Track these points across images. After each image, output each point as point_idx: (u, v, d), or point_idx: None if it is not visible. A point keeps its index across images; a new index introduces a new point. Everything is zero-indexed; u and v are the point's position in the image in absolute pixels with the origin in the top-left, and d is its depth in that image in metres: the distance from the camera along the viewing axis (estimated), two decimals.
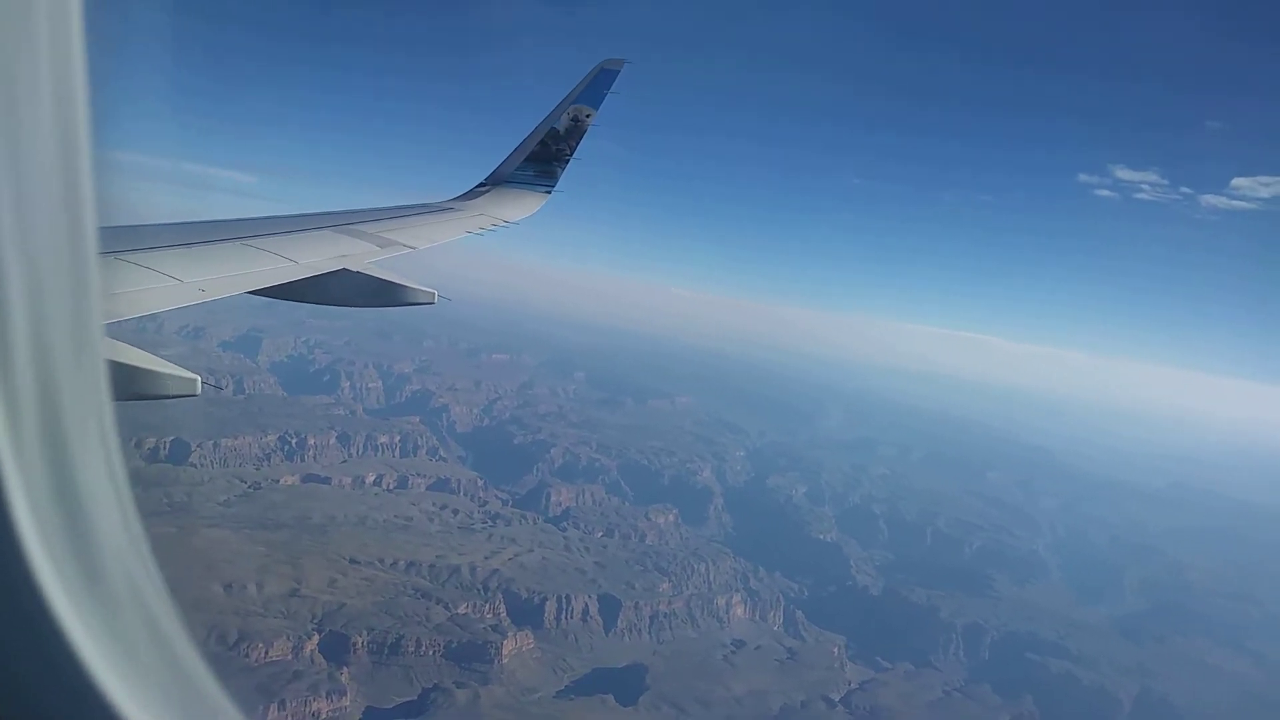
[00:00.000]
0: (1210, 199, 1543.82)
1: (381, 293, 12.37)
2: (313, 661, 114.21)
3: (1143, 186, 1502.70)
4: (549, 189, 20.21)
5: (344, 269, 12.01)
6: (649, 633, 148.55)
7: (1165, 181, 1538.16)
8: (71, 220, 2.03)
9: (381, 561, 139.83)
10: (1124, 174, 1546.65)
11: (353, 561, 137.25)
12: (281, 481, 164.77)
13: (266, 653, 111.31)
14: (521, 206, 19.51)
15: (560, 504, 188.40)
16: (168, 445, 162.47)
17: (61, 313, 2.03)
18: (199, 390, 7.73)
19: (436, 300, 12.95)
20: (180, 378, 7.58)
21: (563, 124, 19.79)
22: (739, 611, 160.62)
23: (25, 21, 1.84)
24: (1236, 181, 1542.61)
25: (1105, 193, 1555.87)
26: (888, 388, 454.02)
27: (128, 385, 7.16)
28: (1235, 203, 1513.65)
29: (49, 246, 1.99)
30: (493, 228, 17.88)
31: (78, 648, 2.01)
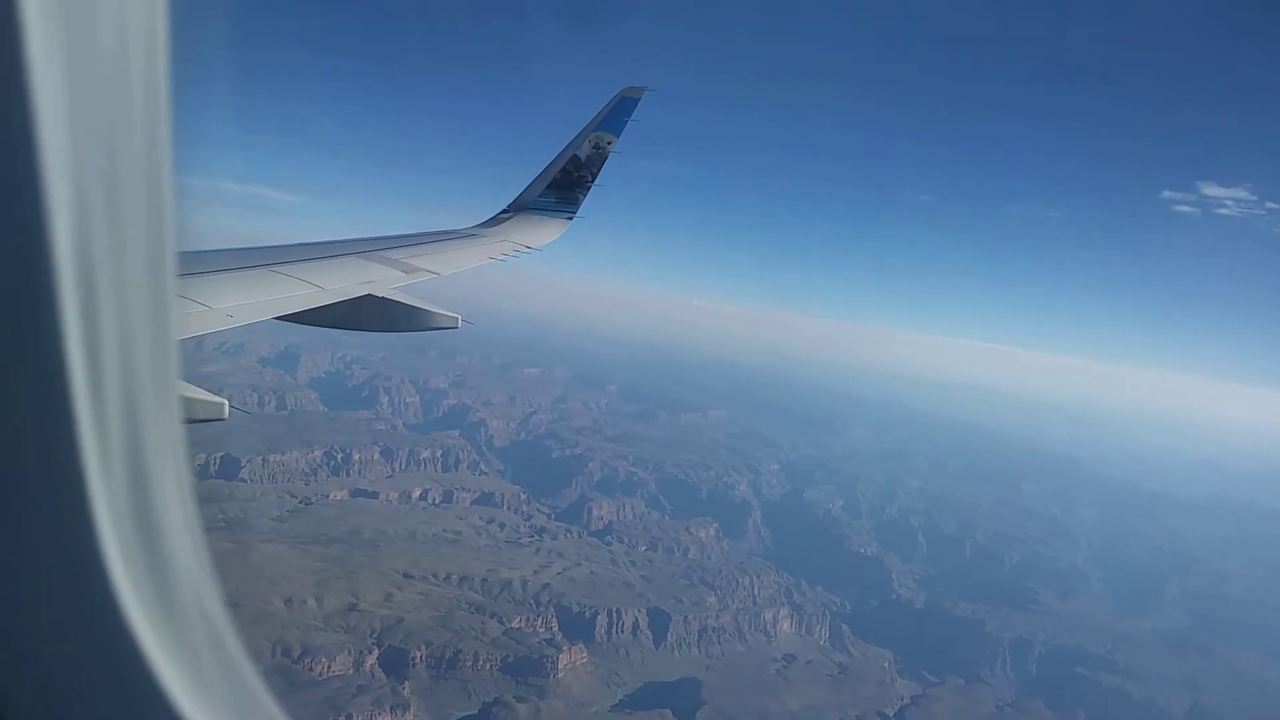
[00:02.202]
0: None
1: (406, 318, 12.69)
2: (373, 676, 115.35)
3: (1226, 203, 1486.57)
4: (570, 215, 20.47)
5: (369, 295, 12.24)
6: (698, 647, 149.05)
7: (1253, 198, 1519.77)
8: (155, 246, 2.12)
9: (434, 576, 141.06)
10: (1211, 190, 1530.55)
11: (406, 576, 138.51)
12: (331, 497, 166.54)
13: (329, 666, 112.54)
14: (543, 233, 19.77)
15: (602, 518, 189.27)
16: (218, 461, 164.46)
17: (144, 338, 2.12)
18: (227, 414, 7.78)
19: (460, 325, 13.26)
20: (209, 402, 7.65)
21: (584, 151, 20.09)
22: (785, 625, 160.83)
23: (121, 44, 1.91)
24: None
25: (1185, 209, 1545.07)
26: (915, 398, 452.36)
27: None
28: None
29: (135, 272, 2.07)
30: (515, 254, 18.21)
31: (147, 652, 2.12)
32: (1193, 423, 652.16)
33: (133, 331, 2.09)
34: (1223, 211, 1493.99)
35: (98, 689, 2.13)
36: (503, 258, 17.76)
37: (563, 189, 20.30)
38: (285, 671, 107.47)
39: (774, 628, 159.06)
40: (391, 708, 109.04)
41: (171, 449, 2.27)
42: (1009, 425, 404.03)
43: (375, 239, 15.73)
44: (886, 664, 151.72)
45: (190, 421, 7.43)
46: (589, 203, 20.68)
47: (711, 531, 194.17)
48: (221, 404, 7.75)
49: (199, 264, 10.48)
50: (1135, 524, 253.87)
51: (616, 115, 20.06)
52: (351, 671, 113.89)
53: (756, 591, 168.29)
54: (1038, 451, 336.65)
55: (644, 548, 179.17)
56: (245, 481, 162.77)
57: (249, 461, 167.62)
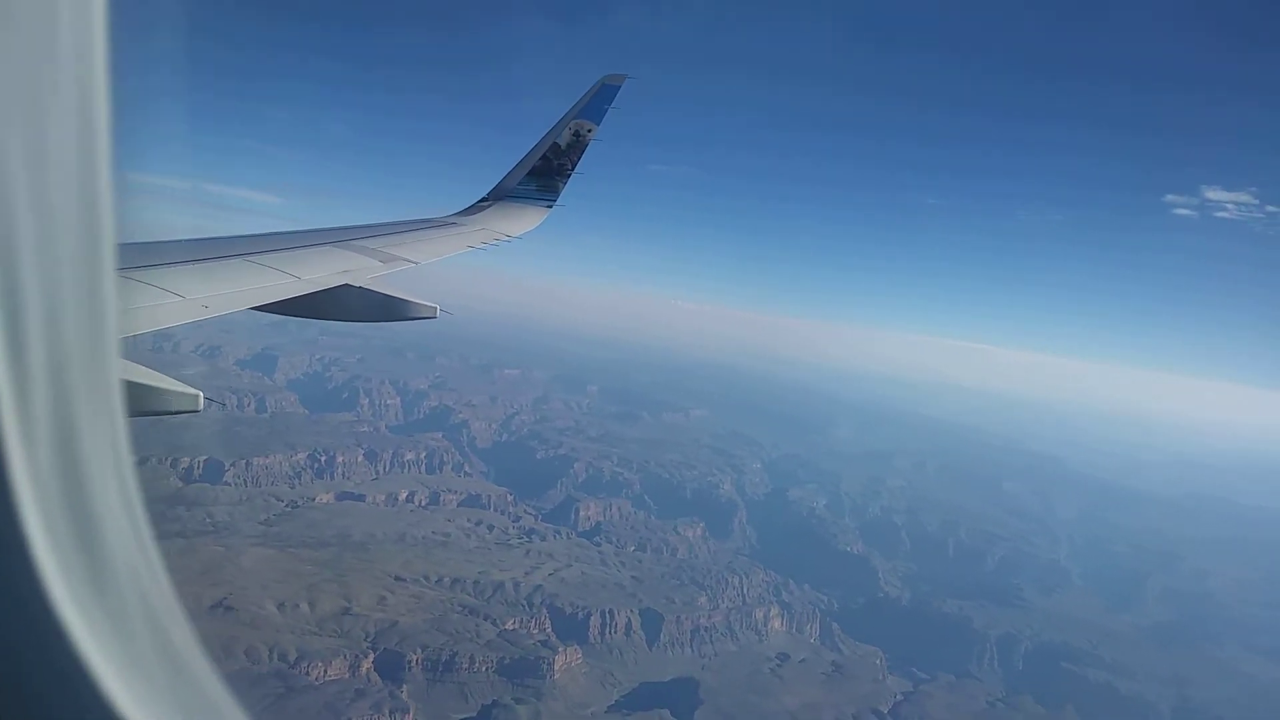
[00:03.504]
0: None
1: (384, 307, 12.52)
2: (370, 680, 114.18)
3: (1227, 206, 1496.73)
4: (550, 203, 20.42)
5: (346, 284, 12.09)
6: (690, 646, 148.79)
7: (1255, 202, 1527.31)
8: (90, 235, 2.06)
9: (426, 579, 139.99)
10: (1214, 194, 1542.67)
11: (398, 579, 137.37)
12: (317, 500, 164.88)
13: (326, 671, 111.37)
14: (523, 221, 19.71)
15: (590, 518, 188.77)
16: (202, 465, 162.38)
17: (78, 327, 2.06)
18: (201, 406, 7.69)
19: (438, 315, 13.11)
20: (183, 393, 7.56)
21: (564, 139, 20.04)
22: (776, 624, 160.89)
23: (50, 37, 1.86)
24: None
25: (1185, 212, 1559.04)
26: (894, 398, 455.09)
27: (131, 401, 6.87)
28: None
29: (67, 261, 2.01)
30: (494, 242, 18.05)
31: (85, 656, 2.03)
32: (1168, 421, 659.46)
33: (62, 317, 2.01)
34: (1222, 215, 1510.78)
35: (26, 682, 2.04)
36: (482, 246, 17.54)
37: (543, 177, 20.24)
38: (283, 676, 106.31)
39: (765, 626, 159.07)
40: (391, 711, 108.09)
41: (109, 435, 2.19)
42: (988, 423, 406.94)
43: (352, 228, 15.52)
44: (878, 661, 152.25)
45: (166, 414, 7.51)
46: (569, 198, 20.60)
47: (698, 531, 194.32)
48: (196, 395, 7.62)
49: (172, 254, 10.28)
50: (1115, 521, 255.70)
51: (597, 103, 19.96)
52: (348, 676, 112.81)
53: (746, 591, 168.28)
54: (1017, 450, 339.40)
55: (633, 548, 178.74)
56: (230, 485, 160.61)
57: (233, 465, 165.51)
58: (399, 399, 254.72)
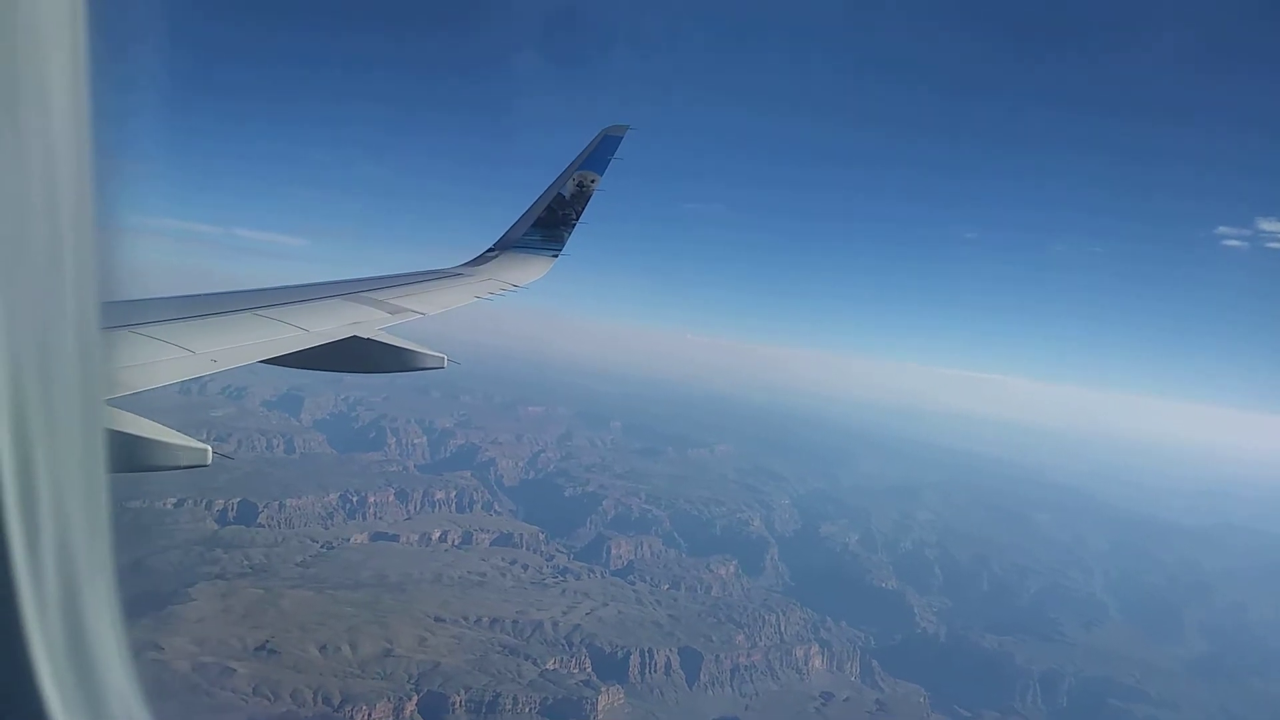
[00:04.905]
0: None
1: (392, 359, 12.56)
2: None
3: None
4: (556, 253, 20.65)
5: (355, 336, 12.14)
6: (730, 685, 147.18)
7: None
8: (78, 297, 1.99)
9: (465, 619, 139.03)
10: (1269, 225, 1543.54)
11: (438, 619, 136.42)
12: (352, 540, 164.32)
13: (370, 715, 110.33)
14: (529, 271, 19.92)
15: (622, 557, 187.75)
16: (235, 507, 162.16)
17: (70, 392, 2.01)
18: (209, 460, 7.73)
19: (446, 365, 13.10)
20: (191, 448, 7.60)
21: (568, 190, 20.26)
22: (817, 662, 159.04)
23: (39, 81, 1.80)
24: None
25: (1234, 243, 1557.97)
26: (910, 429, 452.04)
27: (139, 457, 7.27)
28: None
29: (58, 327, 1.94)
30: (501, 292, 18.22)
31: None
32: (1196, 451, 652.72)
33: (54, 383, 1.97)
34: (1274, 245, 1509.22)
35: None
36: (489, 296, 17.72)
37: (548, 227, 20.50)
38: None
39: (806, 665, 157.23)
40: None
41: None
42: (1009, 455, 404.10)
43: (360, 280, 15.68)
44: (920, 699, 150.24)
45: (175, 469, 7.58)
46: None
47: (731, 569, 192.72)
48: (204, 450, 7.69)
49: (181, 309, 10.47)
50: (1147, 553, 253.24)
51: (600, 153, 20.24)
52: (393, 719, 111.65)
53: (784, 629, 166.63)
54: (1042, 482, 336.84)
55: (666, 586, 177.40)
56: (264, 527, 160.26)
57: (266, 506, 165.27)
58: (425, 438, 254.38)
